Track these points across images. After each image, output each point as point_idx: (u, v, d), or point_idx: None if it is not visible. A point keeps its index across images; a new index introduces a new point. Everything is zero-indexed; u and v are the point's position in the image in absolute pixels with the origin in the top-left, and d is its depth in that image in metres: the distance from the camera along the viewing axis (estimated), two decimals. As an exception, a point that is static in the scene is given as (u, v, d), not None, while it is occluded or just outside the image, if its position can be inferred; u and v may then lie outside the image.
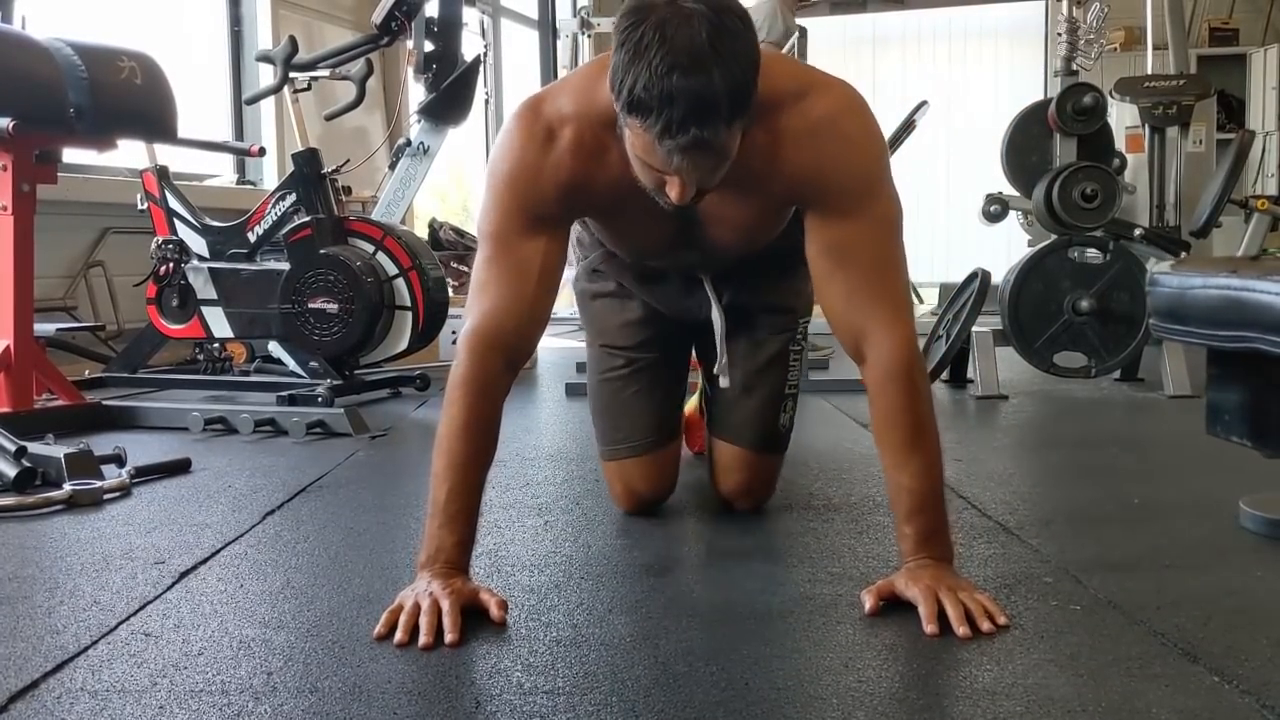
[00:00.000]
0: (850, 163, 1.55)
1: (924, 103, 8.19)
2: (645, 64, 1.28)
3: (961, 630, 1.38)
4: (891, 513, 1.59)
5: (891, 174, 1.60)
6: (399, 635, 1.39)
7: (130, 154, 3.85)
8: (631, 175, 1.47)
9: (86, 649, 1.38)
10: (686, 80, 1.28)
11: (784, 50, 4.42)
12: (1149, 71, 4.46)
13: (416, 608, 1.42)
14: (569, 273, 1.90)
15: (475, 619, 1.45)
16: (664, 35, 1.28)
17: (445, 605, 1.42)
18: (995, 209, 4.11)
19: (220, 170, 5.36)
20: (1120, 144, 4.18)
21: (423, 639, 1.37)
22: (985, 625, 1.40)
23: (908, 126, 8.02)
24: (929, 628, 1.39)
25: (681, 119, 1.29)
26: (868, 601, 1.48)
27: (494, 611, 1.46)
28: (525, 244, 1.58)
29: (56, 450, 2.35)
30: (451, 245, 5.25)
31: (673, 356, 2.10)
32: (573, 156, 1.55)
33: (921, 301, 7.86)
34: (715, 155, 1.36)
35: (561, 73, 7.15)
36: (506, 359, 1.57)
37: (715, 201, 1.56)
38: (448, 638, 1.38)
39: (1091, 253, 3.74)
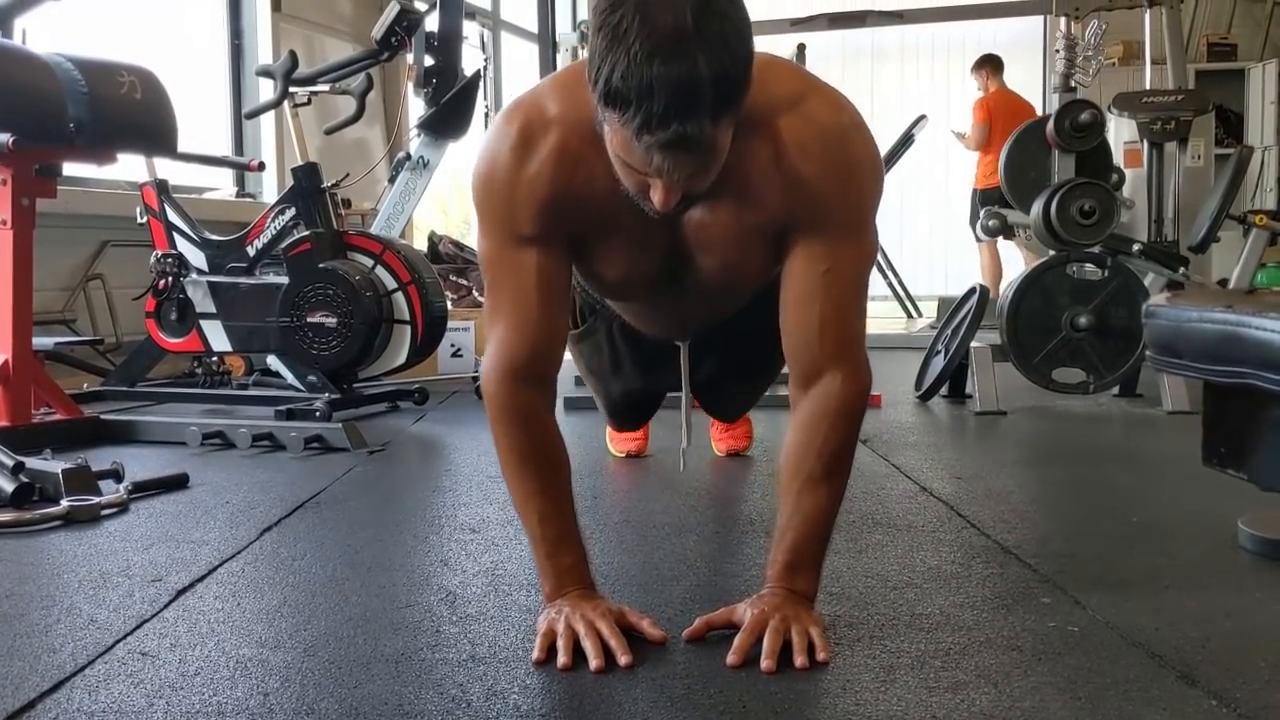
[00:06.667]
0: (854, 185, 1.45)
1: (922, 117, 8.22)
2: (623, 50, 1.16)
3: (765, 664, 1.34)
4: (771, 536, 1.55)
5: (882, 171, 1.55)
6: (562, 659, 1.36)
7: (130, 167, 3.86)
8: (619, 192, 1.36)
9: (84, 668, 1.38)
10: (668, 68, 1.16)
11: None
12: (1147, 86, 4.47)
13: (571, 630, 1.40)
14: None
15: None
16: (645, 17, 1.16)
17: (603, 628, 1.40)
18: (993, 224, 4.12)
19: (220, 184, 5.36)
20: (1118, 159, 4.20)
21: (594, 663, 1.35)
22: (799, 660, 1.35)
23: (906, 140, 8.05)
24: (731, 658, 1.37)
25: (662, 112, 1.17)
26: (695, 624, 1.46)
27: (650, 632, 1.44)
28: (517, 264, 1.46)
29: (54, 465, 2.34)
30: (451, 259, 5.26)
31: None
32: (554, 167, 1.41)
33: (920, 315, 7.86)
34: (700, 153, 1.23)
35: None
36: (534, 383, 1.50)
37: (706, 219, 1.45)
38: (621, 660, 1.36)
39: (1090, 268, 3.74)
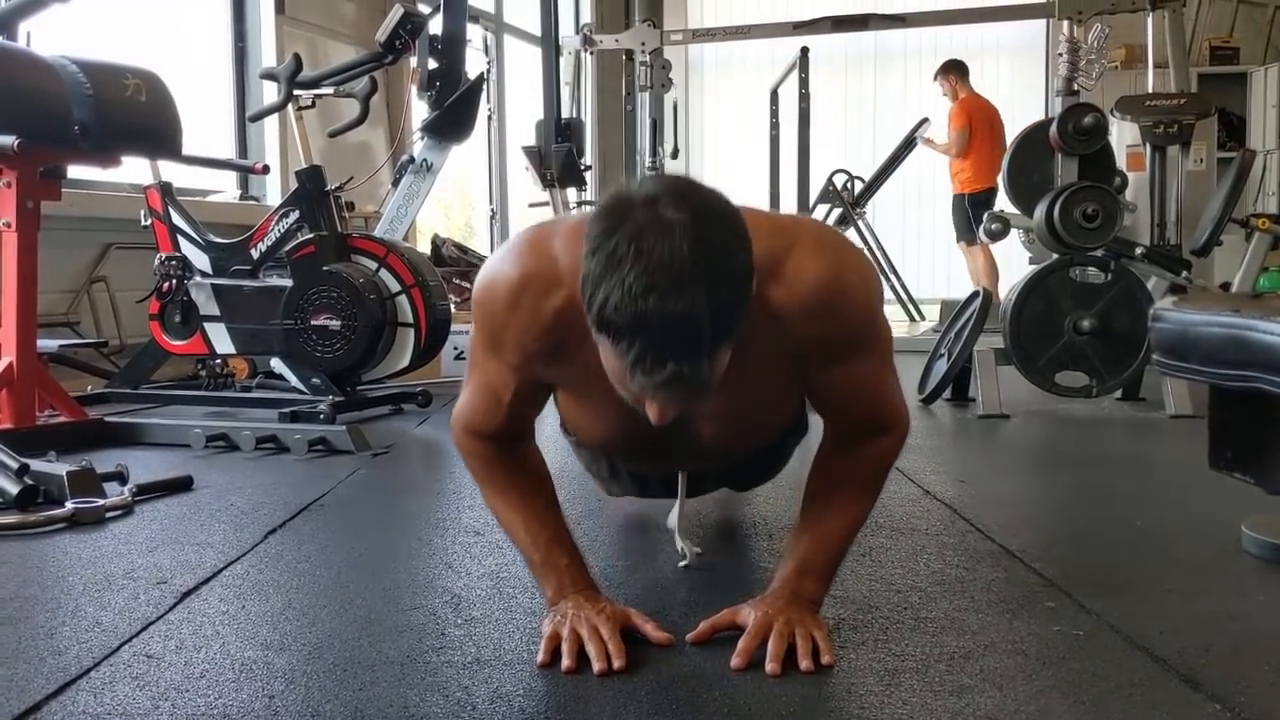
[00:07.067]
0: (859, 316, 1.40)
1: (925, 120, 8.21)
2: (618, 280, 1.10)
3: (770, 667, 1.35)
4: (786, 542, 1.56)
5: (881, 288, 1.49)
6: (566, 662, 1.37)
7: (134, 170, 3.86)
8: None
9: (88, 671, 1.38)
10: (664, 304, 1.09)
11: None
12: (1150, 90, 4.46)
13: (576, 634, 1.41)
14: None
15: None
16: (640, 248, 1.10)
17: (605, 631, 1.41)
18: (996, 227, 4.12)
19: (223, 186, 5.37)
20: (1121, 162, 4.19)
21: (597, 666, 1.36)
22: (804, 663, 1.36)
23: (909, 143, 8.04)
24: (735, 660, 1.38)
25: (657, 353, 1.12)
26: (700, 627, 1.47)
27: (654, 635, 1.45)
28: (496, 372, 1.45)
29: (59, 468, 2.35)
30: (454, 262, 5.26)
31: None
32: (548, 328, 1.35)
33: (923, 318, 7.87)
34: (698, 388, 1.17)
35: (565, 90, 7.17)
36: (502, 439, 1.52)
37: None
38: (615, 664, 1.36)
39: (1093, 272, 3.75)
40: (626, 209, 1.14)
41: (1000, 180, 4.08)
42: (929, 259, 9.15)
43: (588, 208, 1.45)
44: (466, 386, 1.52)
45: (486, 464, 1.54)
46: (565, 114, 6.98)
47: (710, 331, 1.13)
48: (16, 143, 2.82)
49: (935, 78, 7.82)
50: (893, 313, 7.95)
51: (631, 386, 1.18)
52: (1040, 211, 3.78)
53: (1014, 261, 7.30)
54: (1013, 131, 4.29)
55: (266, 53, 5.52)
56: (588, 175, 7.18)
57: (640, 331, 1.11)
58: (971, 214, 7.40)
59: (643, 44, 6.95)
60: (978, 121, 7.49)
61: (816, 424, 1.57)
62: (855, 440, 1.50)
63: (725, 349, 1.17)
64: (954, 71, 7.68)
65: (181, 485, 2.53)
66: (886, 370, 1.48)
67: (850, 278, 1.38)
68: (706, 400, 1.24)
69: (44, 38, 3.27)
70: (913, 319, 7.84)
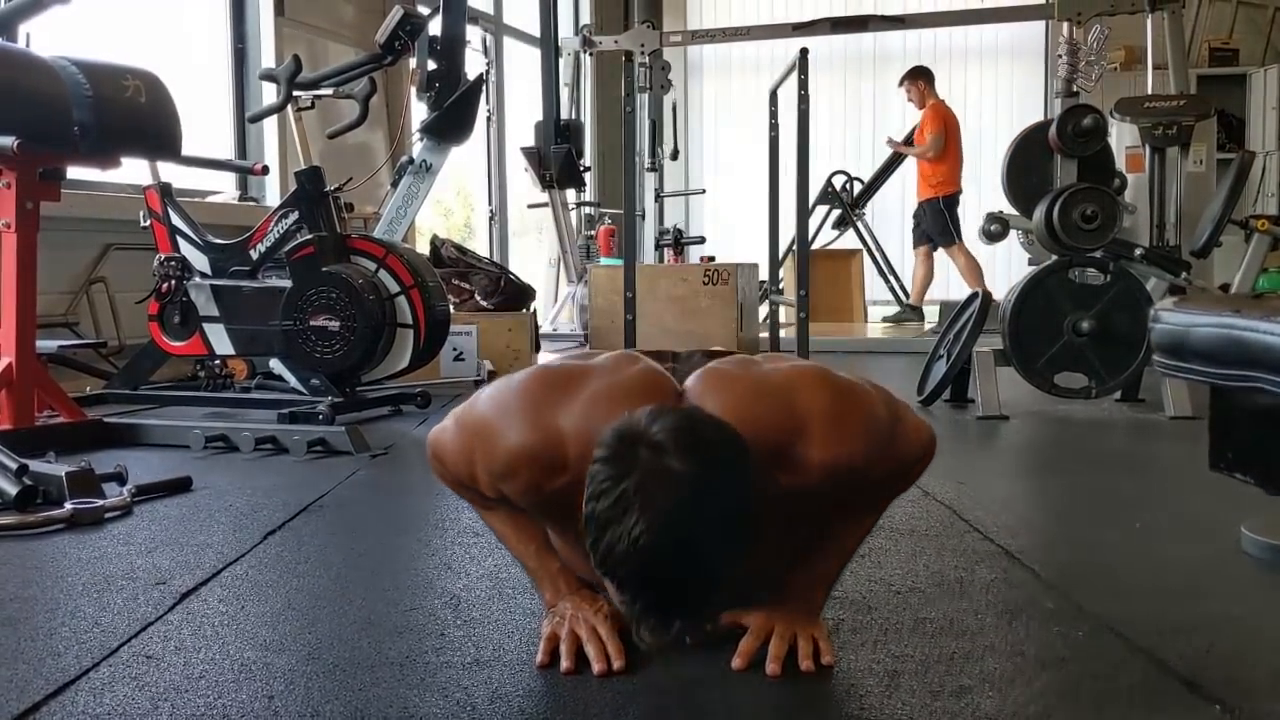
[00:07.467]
0: (873, 474, 1.39)
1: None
2: (623, 531, 1.11)
3: (770, 668, 1.36)
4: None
5: (879, 402, 1.42)
6: (565, 663, 1.38)
7: (133, 170, 3.86)
8: None
9: (88, 671, 1.38)
10: (669, 569, 1.11)
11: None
12: (1149, 91, 4.46)
13: (574, 635, 1.41)
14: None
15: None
16: (646, 501, 1.11)
17: (604, 631, 1.41)
18: (995, 228, 4.12)
19: (223, 187, 5.37)
20: (1120, 164, 4.20)
21: (597, 667, 1.36)
22: (805, 665, 1.36)
23: (907, 145, 8.05)
24: (736, 661, 1.38)
25: (663, 612, 1.15)
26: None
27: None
28: (477, 473, 1.41)
29: (58, 468, 2.35)
30: (453, 263, 5.26)
31: None
32: (547, 498, 1.35)
33: (922, 320, 7.88)
34: (703, 626, 1.20)
35: (564, 91, 7.17)
36: None
37: None
38: (615, 664, 1.37)
39: (1092, 273, 3.75)
40: (633, 456, 1.14)
41: (1001, 182, 4.08)
42: (928, 260, 9.14)
43: (602, 379, 1.41)
44: (452, 433, 1.47)
45: (462, 488, 1.52)
46: (564, 115, 7.00)
47: (714, 587, 1.15)
48: (16, 144, 2.82)
49: (901, 83, 7.88)
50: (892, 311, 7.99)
51: (636, 630, 1.18)
52: (1039, 213, 3.78)
53: (1013, 263, 7.34)
54: (1010, 134, 4.28)
55: (266, 54, 5.52)
56: (586, 176, 7.20)
57: (644, 591, 1.13)
58: (948, 216, 7.49)
59: (642, 45, 6.96)
60: (951, 126, 7.58)
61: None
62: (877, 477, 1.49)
63: (729, 585, 1.18)
64: (922, 78, 7.77)
65: (181, 486, 2.53)
66: (898, 443, 1.43)
67: (855, 449, 1.34)
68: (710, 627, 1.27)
69: (43, 38, 3.27)
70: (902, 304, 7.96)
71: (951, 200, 7.56)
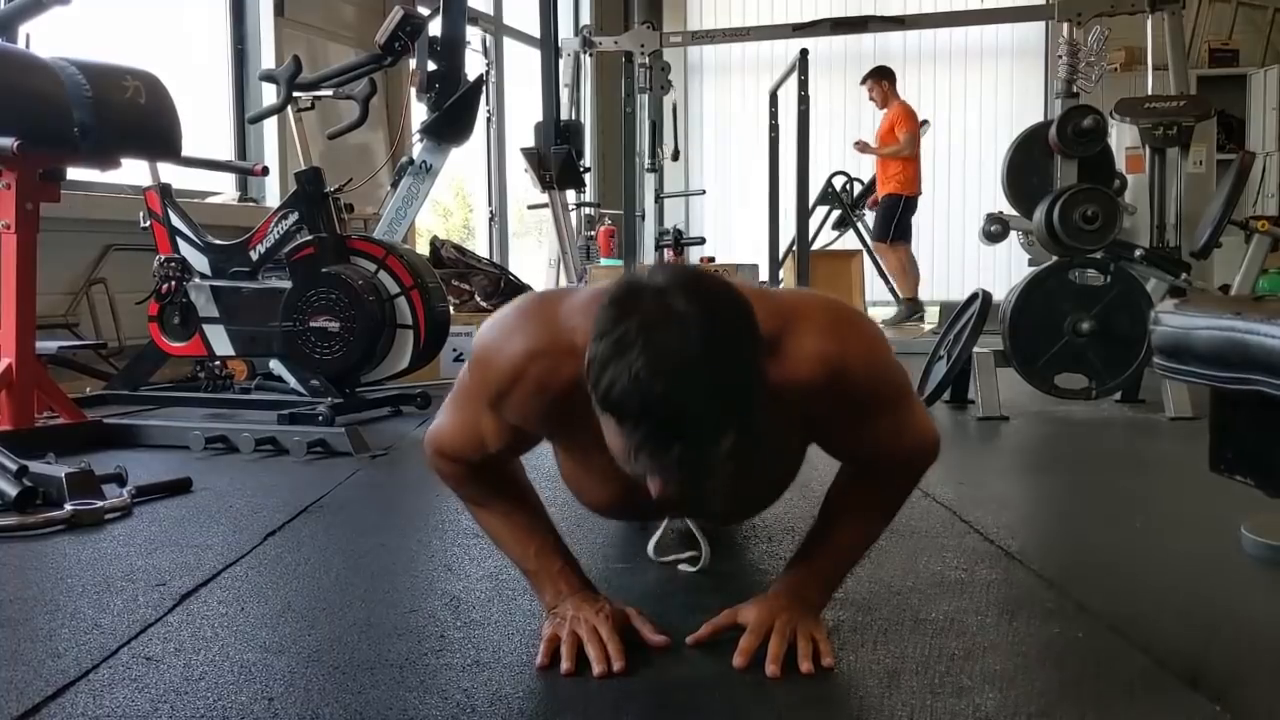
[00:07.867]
0: (863, 388, 1.36)
1: (925, 122, 8.21)
2: (625, 364, 1.10)
3: (770, 669, 1.35)
4: (798, 546, 1.55)
5: (889, 348, 1.43)
6: (565, 664, 1.37)
7: (133, 171, 3.86)
8: None
9: (88, 673, 1.38)
10: (671, 390, 1.09)
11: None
12: (1149, 92, 4.46)
13: (575, 636, 1.41)
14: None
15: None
16: (649, 337, 1.10)
17: (604, 632, 1.41)
18: (995, 229, 4.12)
19: (223, 188, 5.37)
20: (1120, 164, 4.19)
21: (597, 669, 1.36)
22: (805, 665, 1.36)
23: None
24: (736, 660, 1.38)
25: (664, 436, 1.12)
26: (702, 630, 1.46)
27: (652, 637, 1.44)
28: (485, 421, 1.42)
29: (58, 469, 2.35)
30: (453, 263, 5.26)
31: None
32: (553, 402, 1.33)
33: (923, 320, 7.88)
34: (704, 474, 1.17)
35: (564, 92, 7.17)
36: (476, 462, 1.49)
37: None
38: (615, 665, 1.36)
39: (1092, 274, 3.75)
40: (636, 299, 1.14)
41: (1001, 183, 4.08)
42: (927, 260, 9.11)
43: (601, 282, 1.40)
44: (448, 414, 1.49)
45: (463, 483, 1.53)
46: (564, 116, 6.98)
47: (717, 418, 1.13)
48: (16, 144, 2.82)
49: (864, 82, 7.93)
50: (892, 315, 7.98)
51: (635, 467, 1.17)
52: (1040, 213, 3.78)
53: (1013, 263, 7.34)
54: (1010, 134, 4.29)
55: (266, 54, 5.52)
56: (586, 177, 7.19)
57: (646, 415, 1.11)
58: (901, 217, 7.52)
59: (642, 46, 6.95)
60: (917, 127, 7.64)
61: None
62: (878, 471, 1.49)
63: (730, 435, 1.15)
64: (886, 78, 7.82)
65: (180, 487, 2.53)
66: (902, 413, 1.44)
67: (851, 350, 1.34)
68: (710, 485, 1.21)
69: (43, 39, 3.27)
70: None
71: (912, 201, 7.62)
